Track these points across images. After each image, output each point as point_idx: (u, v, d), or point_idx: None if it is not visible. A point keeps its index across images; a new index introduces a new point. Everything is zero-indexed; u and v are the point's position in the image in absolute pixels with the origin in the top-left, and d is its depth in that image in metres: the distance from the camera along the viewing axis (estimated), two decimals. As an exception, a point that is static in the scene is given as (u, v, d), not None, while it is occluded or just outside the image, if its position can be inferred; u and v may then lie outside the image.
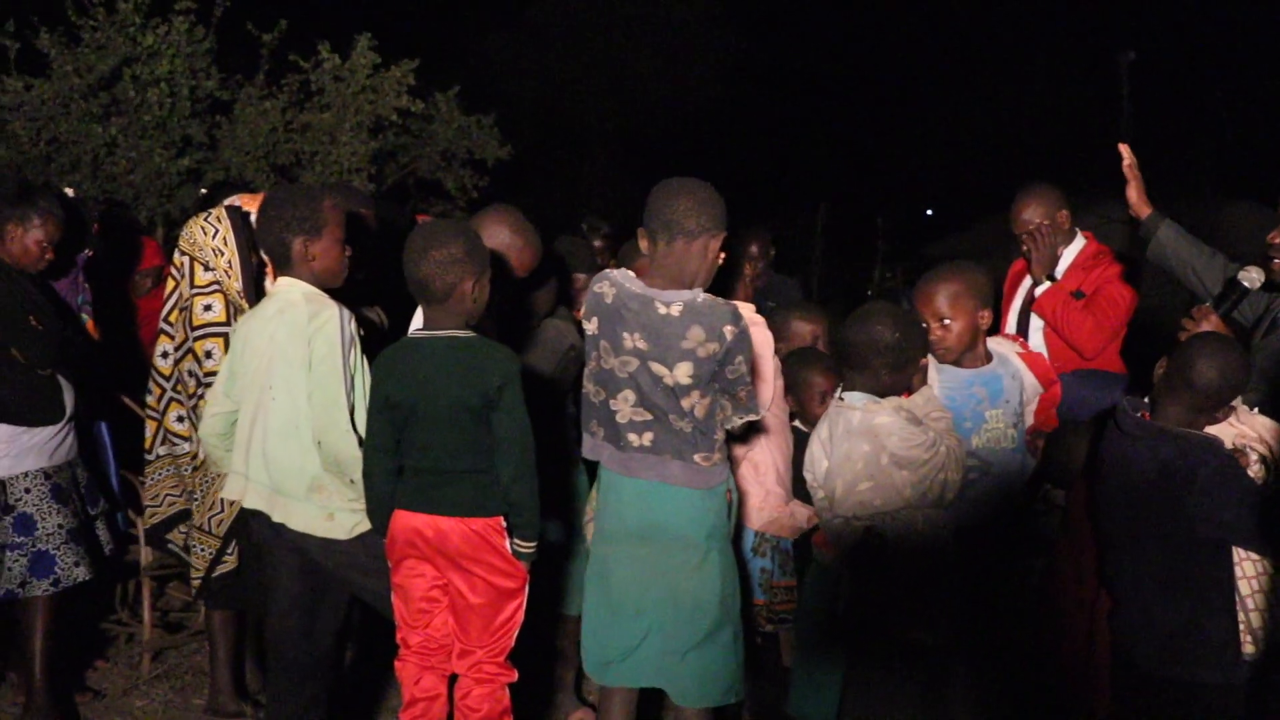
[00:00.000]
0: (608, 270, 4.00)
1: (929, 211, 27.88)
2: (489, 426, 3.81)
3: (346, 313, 4.01)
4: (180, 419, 4.83)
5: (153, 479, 4.95)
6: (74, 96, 7.67)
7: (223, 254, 4.62)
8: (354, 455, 3.95)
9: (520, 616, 3.97)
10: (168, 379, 4.81)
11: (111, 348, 5.74)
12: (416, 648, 3.98)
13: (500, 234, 4.44)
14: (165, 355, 4.81)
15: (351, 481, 3.99)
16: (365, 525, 4.05)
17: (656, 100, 19.74)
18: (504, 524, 3.89)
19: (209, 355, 4.59)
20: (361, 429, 3.98)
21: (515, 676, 3.98)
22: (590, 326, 3.95)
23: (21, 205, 4.99)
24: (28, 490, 4.97)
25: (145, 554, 5.55)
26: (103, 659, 5.72)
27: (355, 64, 8.39)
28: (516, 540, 3.89)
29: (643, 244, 3.96)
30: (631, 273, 3.93)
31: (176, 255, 4.73)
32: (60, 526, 4.98)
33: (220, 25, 8.17)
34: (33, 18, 7.73)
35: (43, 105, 7.69)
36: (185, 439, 4.83)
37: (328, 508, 4.04)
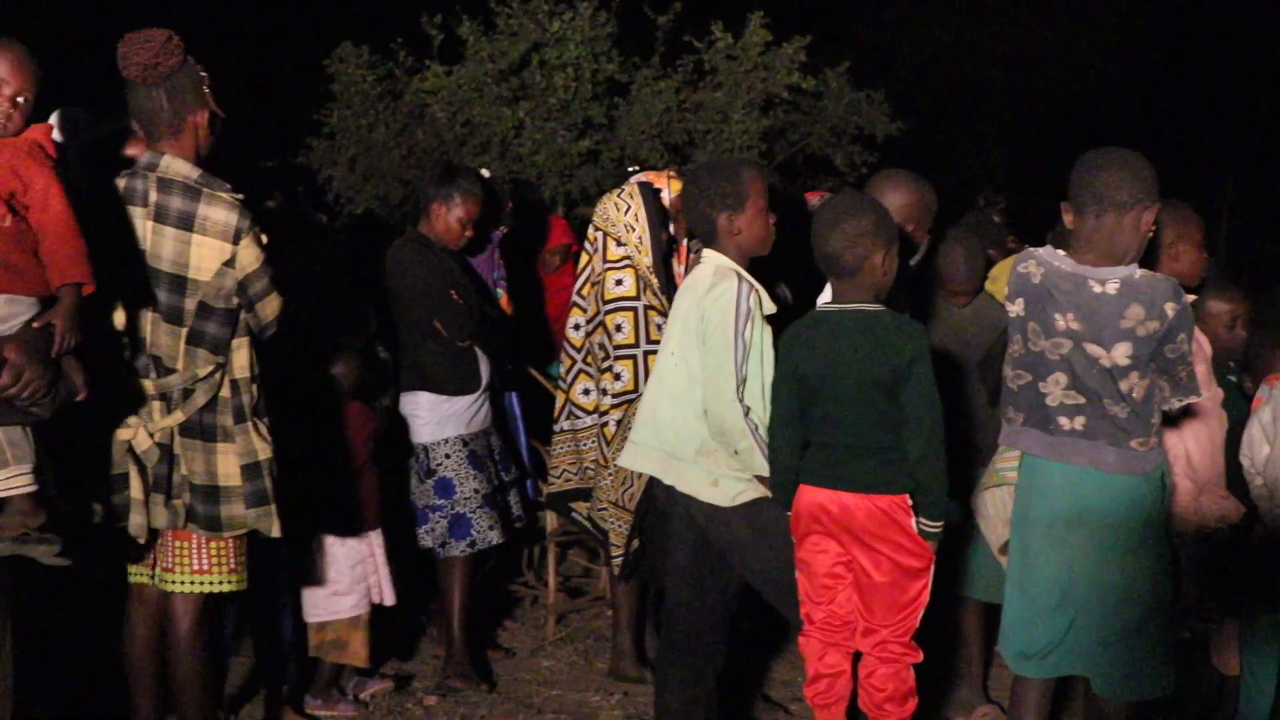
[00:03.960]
0: (1032, 249, 3.86)
1: (1349, 184, 25.77)
2: (897, 402, 3.74)
3: (747, 286, 4.01)
4: (586, 391, 4.96)
5: (556, 451, 5.12)
6: (487, 81, 8.02)
7: (634, 230, 4.70)
8: (739, 426, 3.95)
9: (926, 597, 3.88)
10: (578, 350, 4.95)
11: (523, 322, 5.98)
12: (820, 624, 3.95)
13: (898, 199, 4.35)
14: (577, 327, 4.95)
15: (736, 452, 4.01)
16: (747, 495, 4.06)
17: (1048, 71, 19.00)
18: (910, 502, 3.81)
19: (619, 329, 4.69)
20: (752, 401, 3.98)
21: (920, 657, 3.89)
22: (1015, 308, 3.81)
23: (445, 185, 5.25)
24: (447, 456, 5.23)
25: (551, 520, 5.76)
26: (511, 619, 5.99)
27: (748, 42, 8.41)
28: (922, 519, 3.80)
29: (1067, 218, 3.80)
30: (1059, 250, 3.77)
31: (591, 230, 4.86)
32: (476, 491, 5.22)
33: (619, 9, 8.36)
34: (456, 7, 8.14)
35: (459, 90, 8.10)
36: (588, 412, 4.96)
37: (713, 473, 4.07)
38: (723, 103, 8.55)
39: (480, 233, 5.45)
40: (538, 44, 8.07)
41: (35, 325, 3.19)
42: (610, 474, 4.73)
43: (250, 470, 3.87)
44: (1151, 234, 3.76)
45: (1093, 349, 3.64)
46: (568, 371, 5.01)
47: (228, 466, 3.85)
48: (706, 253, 4.17)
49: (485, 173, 5.72)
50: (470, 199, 5.24)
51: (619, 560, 4.78)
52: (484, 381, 5.30)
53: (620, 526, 4.75)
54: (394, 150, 8.50)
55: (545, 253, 6.73)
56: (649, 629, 5.25)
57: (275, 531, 3.92)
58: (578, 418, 5.00)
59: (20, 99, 3.23)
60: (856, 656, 3.96)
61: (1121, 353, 3.62)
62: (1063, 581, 3.77)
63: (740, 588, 4.26)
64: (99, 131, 4.07)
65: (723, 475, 4.06)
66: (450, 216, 5.23)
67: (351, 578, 4.83)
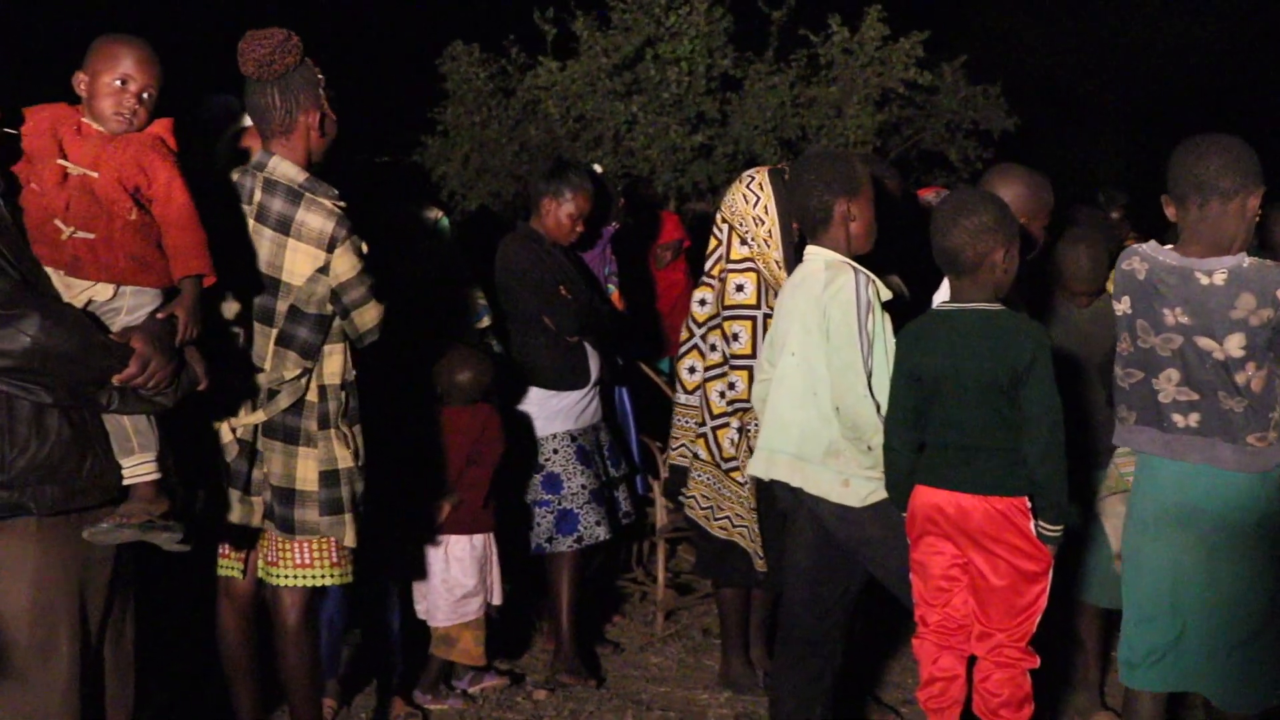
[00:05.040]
0: (1135, 245, 3.77)
1: None
2: (1016, 404, 3.67)
3: (864, 277, 3.98)
4: (691, 370, 4.91)
5: (674, 423, 5.09)
6: (601, 76, 8.05)
7: (763, 223, 4.61)
8: (872, 420, 3.92)
9: (1043, 601, 3.80)
10: (699, 325, 4.89)
11: (634, 317, 5.97)
12: (935, 626, 3.90)
13: (1009, 193, 4.26)
14: (703, 303, 4.87)
15: (869, 448, 3.96)
16: (879, 494, 4.00)
17: (1170, 63, 18.59)
18: (1028, 505, 3.73)
19: (735, 338, 4.62)
20: (879, 394, 3.94)
21: (1037, 662, 3.82)
22: (1121, 306, 3.74)
23: (555, 181, 5.26)
24: (555, 451, 5.24)
25: (660, 516, 5.75)
26: (620, 615, 5.98)
27: (864, 36, 8.35)
28: (1041, 523, 3.73)
29: (1169, 210, 3.71)
30: (1162, 245, 3.68)
31: (719, 217, 4.79)
32: (584, 487, 5.22)
33: (734, 3, 8.34)
34: (569, 3, 8.18)
35: (572, 85, 8.13)
36: (687, 391, 4.94)
37: (843, 474, 4.02)
38: (837, 98, 8.48)
39: (591, 228, 5.44)
40: (652, 39, 8.08)
41: (159, 316, 3.25)
42: (744, 483, 4.66)
43: (328, 477, 3.86)
44: (1257, 220, 3.67)
45: (1204, 342, 3.55)
46: (683, 343, 4.97)
47: (306, 471, 3.86)
48: (811, 249, 4.12)
49: (597, 168, 5.72)
50: (581, 194, 5.24)
51: (761, 562, 4.71)
52: (593, 377, 5.30)
53: (755, 533, 4.70)
54: (507, 146, 8.56)
55: (657, 248, 6.71)
56: (755, 637, 5.17)
57: (349, 540, 3.91)
58: (676, 393, 5.01)
59: (145, 95, 3.28)
60: (971, 660, 3.89)
61: (1235, 344, 3.52)
62: (1170, 586, 3.68)
63: (859, 589, 4.21)
64: (241, 124, 4.12)
65: (853, 475, 4.02)
66: (560, 212, 5.24)
67: (478, 580, 4.85)
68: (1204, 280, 3.55)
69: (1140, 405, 3.72)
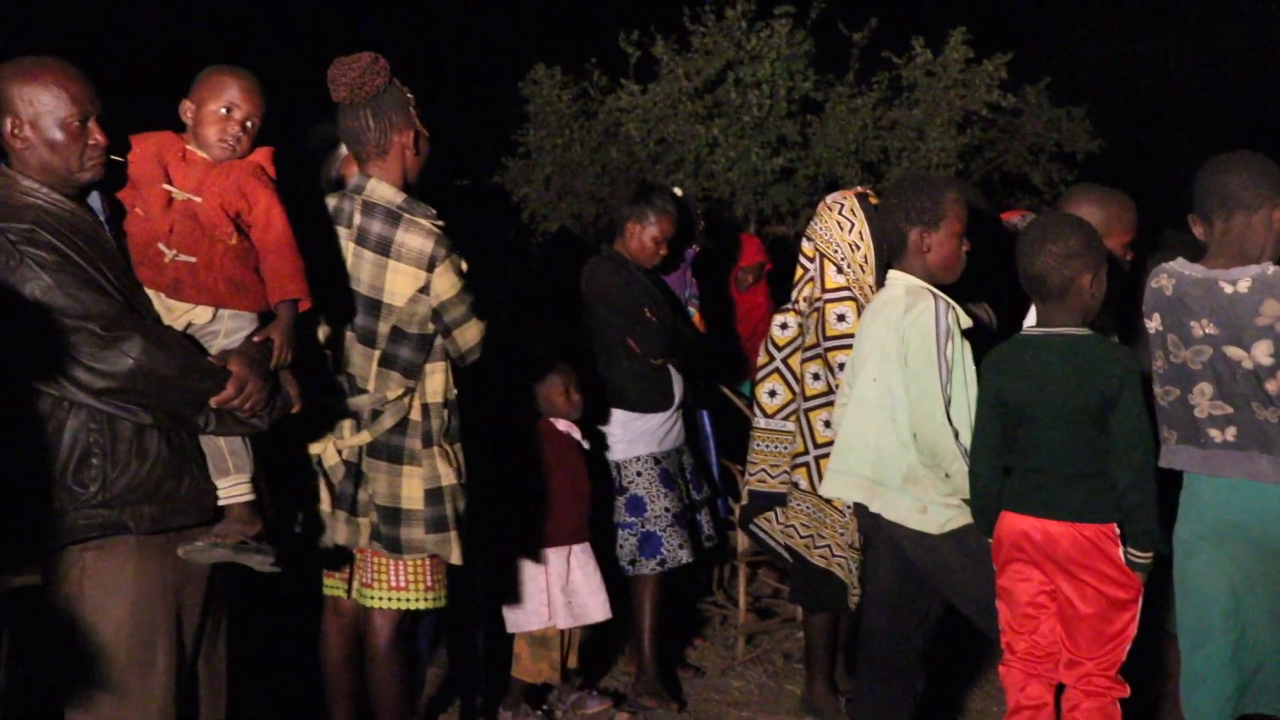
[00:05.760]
0: (1163, 264, 3.77)
1: None
2: (1105, 429, 3.64)
3: (944, 304, 3.95)
4: (771, 393, 4.92)
5: (751, 448, 5.08)
6: (682, 99, 8.08)
7: (859, 248, 4.60)
8: (950, 448, 3.90)
9: (1133, 629, 3.75)
10: (779, 349, 4.90)
11: (714, 340, 5.97)
12: (1022, 654, 3.86)
13: (1087, 213, 4.22)
14: (784, 326, 4.88)
15: (947, 476, 3.94)
16: (957, 522, 3.99)
17: (1256, 82, 18.29)
18: (1117, 531, 3.70)
19: (843, 367, 4.56)
20: (958, 422, 3.92)
21: (1127, 691, 3.77)
22: (1152, 324, 3.75)
23: (640, 204, 5.28)
24: (639, 474, 5.25)
25: (742, 540, 5.74)
26: (700, 638, 5.98)
27: (948, 59, 8.31)
28: (1130, 549, 3.68)
29: (1196, 229, 3.77)
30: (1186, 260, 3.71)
31: (807, 246, 4.77)
32: (667, 509, 5.22)
33: (814, 26, 8.34)
34: (650, 26, 8.22)
35: (653, 108, 8.17)
36: (767, 415, 4.94)
37: (921, 500, 4.00)
38: (919, 120, 8.45)
39: (673, 251, 5.46)
40: (732, 62, 8.10)
41: (255, 340, 3.31)
42: (845, 514, 4.63)
43: (433, 495, 3.89)
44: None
45: (1233, 351, 3.56)
46: (762, 367, 4.97)
47: (411, 489, 3.88)
48: (893, 274, 4.12)
49: (678, 191, 5.74)
50: (664, 217, 5.26)
51: (855, 597, 4.63)
52: (677, 399, 5.30)
53: (849, 566, 4.68)
54: (588, 168, 8.61)
55: (738, 270, 6.71)
56: (837, 655, 5.15)
57: (455, 558, 3.93)
58: (755, 416, 5.00)
59: (249, 123, 3.36)
60: (1059, 688, 3.85)
61: (1263, 351, 3.52)
62: (1221, 606, 3.66)
63: (940, 614, 4.19)
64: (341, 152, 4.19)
65: (931, 502, 4.00)
66: (645, 235, 5.26)
67: (524, 593, 4.86)
68: (1228, 289, 3.58)
69: (1179, 424, 3.72)
